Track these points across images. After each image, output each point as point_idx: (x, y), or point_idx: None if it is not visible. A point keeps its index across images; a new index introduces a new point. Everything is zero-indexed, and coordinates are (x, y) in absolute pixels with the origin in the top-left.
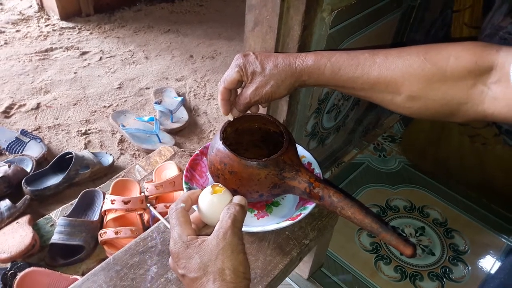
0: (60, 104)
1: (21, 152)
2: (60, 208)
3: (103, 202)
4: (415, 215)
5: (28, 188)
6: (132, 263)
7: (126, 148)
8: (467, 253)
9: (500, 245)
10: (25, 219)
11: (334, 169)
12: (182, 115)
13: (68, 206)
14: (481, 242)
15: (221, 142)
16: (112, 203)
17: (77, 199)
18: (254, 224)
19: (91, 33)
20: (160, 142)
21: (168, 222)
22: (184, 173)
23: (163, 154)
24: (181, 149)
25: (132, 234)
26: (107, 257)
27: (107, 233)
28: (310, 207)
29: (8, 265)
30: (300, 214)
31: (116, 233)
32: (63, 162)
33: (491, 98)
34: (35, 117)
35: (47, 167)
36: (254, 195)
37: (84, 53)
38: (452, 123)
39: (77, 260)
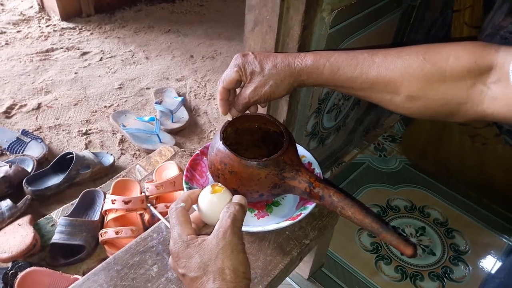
0: (61, 104)
1: (22, 152)
2: (61, 208)
3: (104, 202)
4: (416, 215)
5: (29, 188)
6: (132, 263)
7: (127, 148)
8: (468, 253)
9: (501, 245)
10: (26, 219)
11: (334, 169)
12: (183, 115)
13: (69, 206)
14: (482, 242)
15: (221, 142)
16: (113, 203)
17: (77, 199)
18: (255, 224)
19: (91, 34)
20: (161, 142)
21: (168, 221)
22: (185, 173)
23: (164, 154)
24: (182, 149)
25: (133, 234)
26: (107, 257)
27: (108, 233)
28: (310, 207)
29: (9, 264)
30: (301, 214)
31: (117, 233)
32: (64, 162)
33: (491, 98)
34: (36, 117)
35: (48, 167)
36: (254, 195)
37: (84, 54)
38: (453, 123)
39: (77, 260)
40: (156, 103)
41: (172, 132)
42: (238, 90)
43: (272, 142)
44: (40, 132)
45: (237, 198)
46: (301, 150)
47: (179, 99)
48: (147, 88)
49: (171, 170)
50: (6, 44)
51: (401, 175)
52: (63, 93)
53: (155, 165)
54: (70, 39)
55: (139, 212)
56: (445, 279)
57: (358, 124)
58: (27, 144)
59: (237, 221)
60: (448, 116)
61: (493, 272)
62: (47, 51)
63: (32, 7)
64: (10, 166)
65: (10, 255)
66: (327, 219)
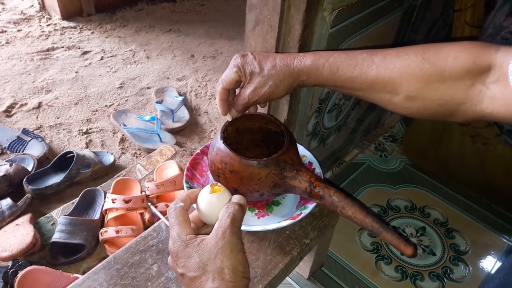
0: (62, 103)
1: (23, 151)
2: (61, 207)
3: (104, 201)
4: (416, 215)
5: (30, 187)
6: (132, 262)
7: (127, 147)
8: (468, 253)
9: (501, 245)
10: (26, 217)
11: (335, 169)
12: (183, 114)
13: (69, 205)
14: (482, 242)
15: (221, 141)
16: (113, 202)
17: (78, 198)
18: (255, 223)
19: (92, 33)
20: (161, 141)
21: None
22: (185, 172)
23: (164, 154)
24: (182, 149)
25: (133, 233)
26: (108, 256)
27: (108, 232)
28: (310, 206)
29: (9, 263)
30: (301, 213)
31: (117, 232)
32: (64, 161)
33: (490, 98)
34: (37, 116)
35: (48, 166)
36: (255, 194)
37: (85, 53)
38: (453, 123)
39: (78, 259)
40: (156, 102)
41: (173, 132)
42: (237, 91)
43: (273, 141)
44: (41, 131)
45: (236, 198)
46: (301, 149)
47: (180, 98)
48: (148, 88)
49: (171, 170)
50: (7, 43)
51: (402, 175)
52: (63, 92)
53: (155, 164)
54: (71, 38)
55: (140, 211)
56: (445, 279)
57: (358, 124)
58: (27, 143)
59: (236, 220)
60: (447, 116)
61: (493, 272)
62: (47, 50)
63: (32, 6)
64: (11, 165)
65: (10, 254)
66: (327, 218)
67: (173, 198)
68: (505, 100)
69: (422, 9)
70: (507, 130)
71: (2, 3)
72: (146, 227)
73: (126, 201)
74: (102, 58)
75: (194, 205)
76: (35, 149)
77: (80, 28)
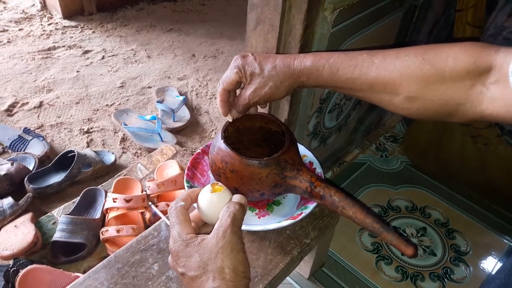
0: (63, 103)
1: (24, 150)
2: (62, 206)
3: (105, 200)
4: (417, 216)
5: (31, 186)
6: (133, 261)
7: (128, 146)
8: (469, 253)
9: (502, 246)
10: (27, 216)
11: (335, 169)
12: (184, 114)
13: (70, 204)
14: (483, 243)
15: (222, 141)
16: (114, 201)
17: (79, 197)
18: (255, 223)
19: (93, 32)
20: (162, 141)
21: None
22: (186, 171)
23: (165, 153)
24: (183, 148)
25: (134, 232)
26: (108, 255)
27: (109, 231)
28: (311, 206)
29: (11, 262)
30: (301, 213)
31: (118, 231)
32: (65, 160)
33: (490, 99)
34: (38, 116)
35: (50, 165)
36: (255, 194)
37: (86, 52)
38: (454, 124)
39: (78, 258)
40: (157, 102)
41: (174, 131)
42: (238, 91)
43: (274, 141)
44: (42, 130)
45: (237, 197)
46: (302, 149)
47: (181, 98)
48: (149, 87)
49: (172, 169)
50: (8, 42)
51: (402, 175)
52: (65, 91)
53: (156, 163)
54: (72, 37)
55: (140, 210)
56: (445, 279)
57: (359, 124)
58: (28, 142)
59: (237, 220)
60: (447, 116)
61: (493, 273)
62: (49, 49)
63: (34, 5)
64: (12, 164)
65: (11, 253)
66: (328, 218)
67: (174, 197)
68: (505, 101)
69: (423, 9)
70: (508, 131)
71: (4, 2)
72: (146, 226)
73: (127, 201)
74: (103, 58)
75: (195, 205)
76: (36, 148)
77: (81, 27)
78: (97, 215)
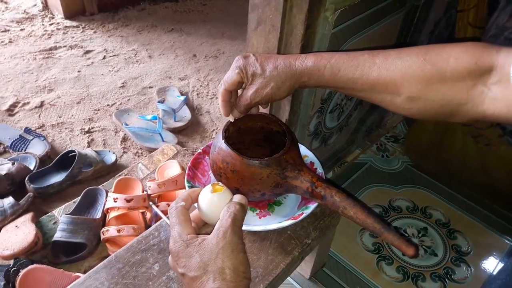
0: (64, 103)
1: (25, 150)
2: (63, 206)
3: (106, 200)
4: (418, 216)
5: (31, 185)
6: (134, 261)
7: (129, 146)
8: (470, 254)
9: (503, 246)
10: (28, 216)
11: (336, 169)
12: (185, 114)
13: (71, 204)
14: (484, 243)
15: (223, 141)
16: (115, 201)
17: (80, 197)
18: (256, 223)
19: (95, 32)
20: (163, 140)
21: None
22: (187, 171)
23: (166, 153)
24: (184, 148)
25: (135, 232)
26: (109, 255)
27: (110, 231)
28: (312, 206)
29: (11, 262)
30: (302, 213)
31: (119, 231)
32: (66, 160)
33: (491, 99)
34: (39, 115)
35: (50, 165)
36: (256, 194)
37: (88, 52)
38: (456, 124)
39: (79, 258)
40: (158, 102)
41: (175, 131)
42: (239, 92)
43: (275, 141)
44: (43, 130)
45: (237, 197)
46: (303, 149)
47: (182, 98)
48: (150, 87)
49: (173, 169)
50: (10, 42)
51: (404, 175)
52: (66, 91)
53: (157, 163)
54: (73, 37)
55: (141, 210)
56: (446, 280)
57: (360, 124)
58: (29, 142)
59: (237, 220)
60: (448, 116)
61: (495, 273)
62: (50, 49)
63: (35, 5)
64: (13, 164)
65: (12, 253)
66: (329, 219)
67: (175, 197)
68: (507, 101)
69: (424, 9)
70: (510, 131)
71: (5, 2)
72: (147, 226)
73: (128, 200)
74: (104, 58)
75: (195, 205)
76: (37, 148)
77: (82, 28)
78: (98, 215)
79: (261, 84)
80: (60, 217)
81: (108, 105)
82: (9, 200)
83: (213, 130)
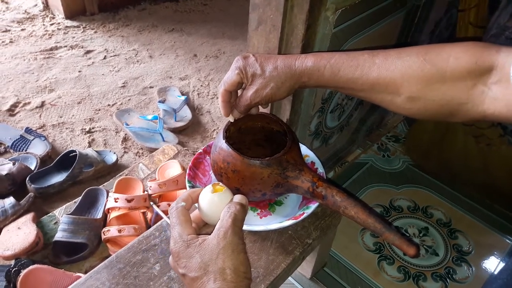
0: (65, 103)
1: (26, 150)
2: (64, 206)
3: (107, 200)
4: (419, 215)
5: (32, 185)
6: (135, 261)
7: (130, 146)
8: (471, 253)
9: (504, 246)
10: (29, 216)
11: (337, 169)
12: (186, 114)
13: (72, 204)
14: (485, 243)
15: (224, 141)
16: (116, 201)
17: (80, 197)
18: (257, 223)
19: (95, 32)
20: (164, 140)
21: None
22: (187, 171)
23: (167, 153)
24: (185, 148)
25: (135, 232)
26: (110, 255)
27: (111, 231)
28: (313, 206)
29: (12, 262)
30: (303, 213)
31: (119, 231)
32: (67, 160)
33: (492, 98)
34: (40, 115)
35: (51, 165)
36: (257, 194)
37: (88, 52)
38: (457, 124)
39: (80, 258)
40: (159, 101)
41: (175, 131)
42: (239, 92)
43: (275, 141)
44: (44, 130)
45: (238, 197)
46: (304, 149)
47: (183, 98)
48: (151, 87)
49: (174, 169)
50: (11, 42)
51: (404, 175)
52: (66, 91)
53: (158, 163)
54: (74, 37)
55: (142, 210)
56: (448, 279)
57: (361, 124)
58: (30, 142)
59: (238, 221)
60: (448, 116)
61: (496, 273)
62: (51, 49)
63: (36, 5)
64: (14, 164)
65: (13, 253)
66: (330, 218)
67: (176, 197)
68: (507, 101)
69: (425, 9)
70: (511, 131)
71: (6, 2)
72: (148, 226)
73: (129, 200)
74: (105, 58)
75: (196, 205)
76: (38, 148)
77: (83, 28)
78: (99, 215)
79: (261, 84)
80: (61, 217)
81: (108, 105)
82: (10, 200)
83: (214, 130)
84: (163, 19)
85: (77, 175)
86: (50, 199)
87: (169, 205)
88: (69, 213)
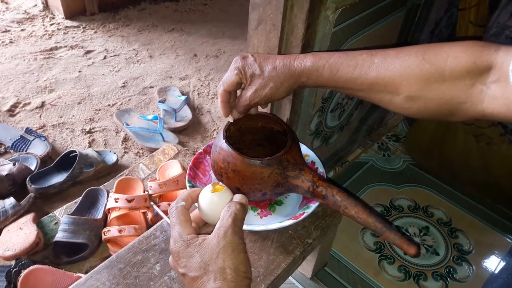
0: (65, 103)
1: (26, 150)
2: (64, 206)
3: (107, 200)
4: (419, 215)
5: (33, 186)
6: (135, 261)
7: (130, 146)
8: (472, 253)
9: (505, 245)
10: (29, 217)
11: (338, 168)
12: (186, 114)
13: (72, 204)
14: (486, 242)
15: (224, 140)
16: (116, 202)
17: (81, 197)
18: (257, 223)
19: (95, 32)
20: (164, 140)
21: None
22: (188, 171)
23: (167, 153)
24: (185, 148)
25: (136, 232)
26: (110, 255)
27: (111, 231)
28: (313, 206)
29: (13, 262)
30: (304, 213)
31: (120, 231)
32: (67, 160)
33: (490, 97)
34: (40, 116)
35: (52, 165)
36: (257, 193)
37: (88, 52)
38: (457, 123)
39: (80, 258)
40: (159, 101)
41: (176, 131)
42: (238, 92)
43: (276, 141)
44: (44, 130)
45: (238, 197)
46: (304, 149)
47: (183, 98)
48: (151, 87)
49: (174, 169)
50: (10, 42)
51: (405, 174)
52: (67, 91)
53: (158, 163)
54: (74, 37)
55: (142, 210)
56: (448, 279)
57: (362, 123)
58: (30, 142)
59: (238, 220)
60: (447, 115)
61: (496, 272)
62: (51, 49)
63: (36, 5)
64: (14, 164)
65: (13, 253)
66: (330, 218)
67: (176, 197)
68: (506, 100)
69: (425, 8)
70: (511, 130)
71: (6, 3)
72: (148, 226)
73: (129, 201)
74: (105, 58)
75: (196, 204)
76: (38, 149)
77: (83, 28)
78: (99, 215)
79: (260, 84)
80: (61, 217)
81: (109, 105)
82: (10, 201)
83: (214, 129)
84: (163, 19)
85: (77, 175)
86: (51, 200)
87: (169, 205)
88: (70, 213)
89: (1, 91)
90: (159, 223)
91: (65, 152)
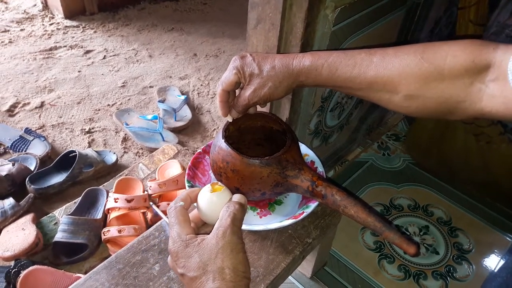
0: (64, 103)
1: (25, 151)
2: (64, 207)
3: (107, 201)
4: (419, 214)
5: (32, 186)
6: (134, 262)
7: (130, 146)
8: (472, 252)
9: (504, 244)
10: (28, 217)
11: (337, 168)
12: (186, 113)
13: (72, 205)
14: (486, 241)
15: (223, 140)
16: (116, 202)
17: (80, 198)
18: (257, 222)
19: (95, 32)
20: (164, 140)
21: None
22: (187, 171)
23: (167, 153)
24: (185, 148)
25: (135, 232)
26: (110, 256)
27: (110, 232)
28: (313, 205)
29: (12, 263)
30: (303, 212)
31: (119, 231)
32: (67, 160)
33: (489, 96)
34: (39, 116)
35: (51, 165)
36: (257, 193)
37: (88, 52)
38: (457, 122)
39: (80, 259)
40: (159, 101)
41: (175, 131)
42: (237, 92)
43: (275, 140)
44: (43, 131)
45: (237, 197)
46: (304, 148)
47: (182, 97)
48: (150, 87)
49: (173, 169)
50: (10, 42)
51: (405, 173)
52: (66, 91)
53: (158, 163)
54: (73, 37)
55: (142, 210)
56: (448, 278)
57: (361, 122)
58: (30, 143)
59: (236, 220)
60: (446, 114)
61: (496, 271)
62: (50, 49)
63: (35, 5)
64: (13, 165)
65: (12, 254)
66: (329, 218)
67: (175, 197)
68: (504, 98)
69: (425, 7)
70: (511, 129)
71: (5, 2)
72: (148, 226)
73: (129, 201)
74: (104, 57)
75: (195, 204)
76: (37, 149)
77: (82, 27)
78: (99, 215)
79: (259, 84)
80: (61, 217)
81: (108, 105)
82: (9, 201)
83: (214, 129)
84: (163, 19)
85: (77, 175)
86: (50, 200)
87: (169, 205)
88: (69, 213)
89: (0, 91)
90: (158, 223)
91: (65, 152)
